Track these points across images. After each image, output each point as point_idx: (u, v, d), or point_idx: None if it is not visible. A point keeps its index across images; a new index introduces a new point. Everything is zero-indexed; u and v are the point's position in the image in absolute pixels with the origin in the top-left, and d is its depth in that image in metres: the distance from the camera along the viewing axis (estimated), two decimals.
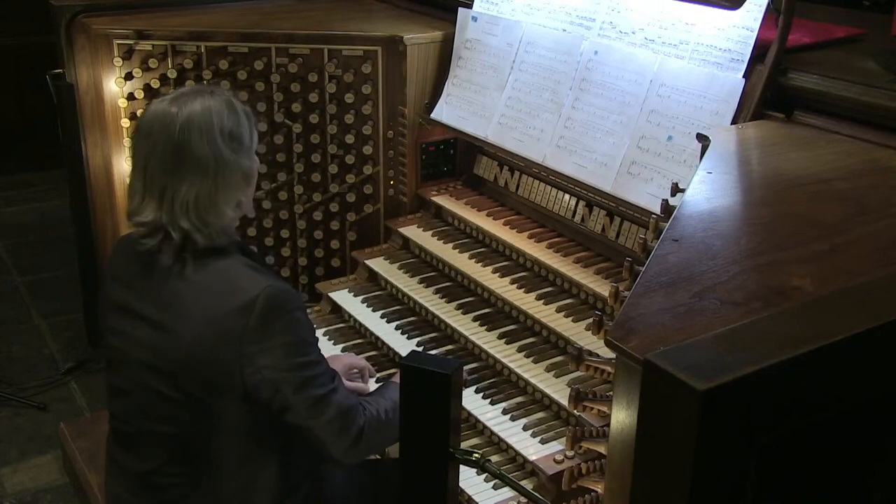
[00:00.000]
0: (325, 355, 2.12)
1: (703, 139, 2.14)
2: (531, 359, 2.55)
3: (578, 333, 2.54)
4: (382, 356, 2.82)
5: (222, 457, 2.04)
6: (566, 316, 2.62)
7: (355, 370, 2.57)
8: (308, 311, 2.63)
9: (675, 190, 2.05)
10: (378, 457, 2.55)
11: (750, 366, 1.16)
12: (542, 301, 2.69)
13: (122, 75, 3.25)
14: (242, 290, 1.94)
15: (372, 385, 2.56)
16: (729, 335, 1.27)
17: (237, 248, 2.06)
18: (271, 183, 3.36)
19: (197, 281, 1.97)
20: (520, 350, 2.59)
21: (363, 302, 2.99)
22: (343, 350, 2.84)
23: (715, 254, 1.53)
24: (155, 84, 3.25)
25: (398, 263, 3.08)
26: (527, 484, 2.21)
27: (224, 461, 2.04)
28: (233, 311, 1.93)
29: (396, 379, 2.26)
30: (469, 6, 3.19)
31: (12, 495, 3.40)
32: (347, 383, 2.32)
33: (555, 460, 2.26)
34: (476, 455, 1.68)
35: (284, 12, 3.58)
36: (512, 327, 2.70)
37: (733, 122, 2.38)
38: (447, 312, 2.79)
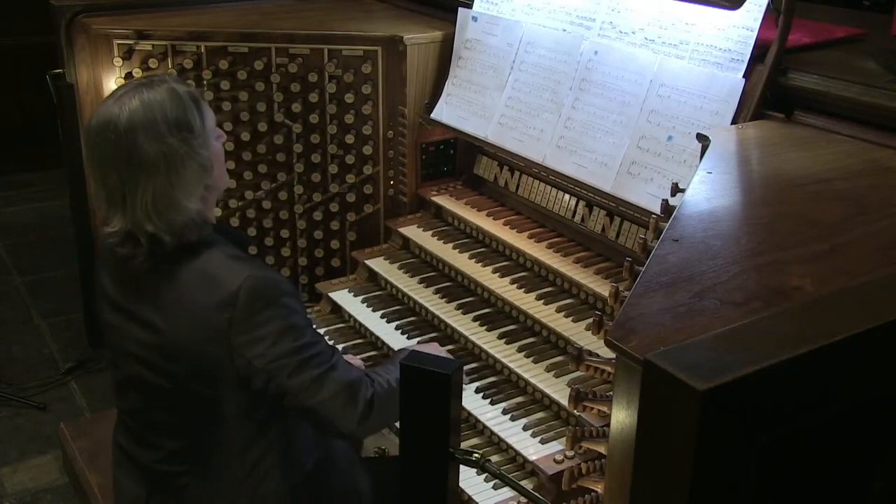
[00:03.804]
0: None
1: (703, 139, 2.14)
2: (531, 359, 2.55)
3: (578, 333, 2.54)
4: (382, 356, 2.82)
5: (226, 444, 2.05)
6: (566, 316, 2.62)
7: None
8: (308, 311, 2.63)
9: (675, 190, 2.05)
10: (378, 455, 2.55)
11: (750, 366, 1.16)
12: (542, 301, 2.69)
13: (122, 75, 3.25)
14: (224, 282, 1.93)
15: None
16: (729, 335, 1.26)
17: (214, 237, 2.03)
18: (271, 183, 3.36)
19: (178, 279, 1.96)
20: (520, 350, 2.59)
21: (363, 302, 2.99)
22: (343, 350, 2.84)
23: (715, 254, 1.53)
24: None
25: (398, 263, 3.08)
26: (527, 484, 2.21)
27: (228, 449, 2.05)
28: (216, 305, 1.92)
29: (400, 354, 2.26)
30: (469, 6, 3.19)
31: (12, 495, 3.40)
32: None
33: (555, 460, 2.26)
34: (476, 455, 1.68)
35: (284, 12, 3.58)
36: (512, 327, 2.70)
37: (733, 122, 2.38)
38: (447, 312, 2.79)
